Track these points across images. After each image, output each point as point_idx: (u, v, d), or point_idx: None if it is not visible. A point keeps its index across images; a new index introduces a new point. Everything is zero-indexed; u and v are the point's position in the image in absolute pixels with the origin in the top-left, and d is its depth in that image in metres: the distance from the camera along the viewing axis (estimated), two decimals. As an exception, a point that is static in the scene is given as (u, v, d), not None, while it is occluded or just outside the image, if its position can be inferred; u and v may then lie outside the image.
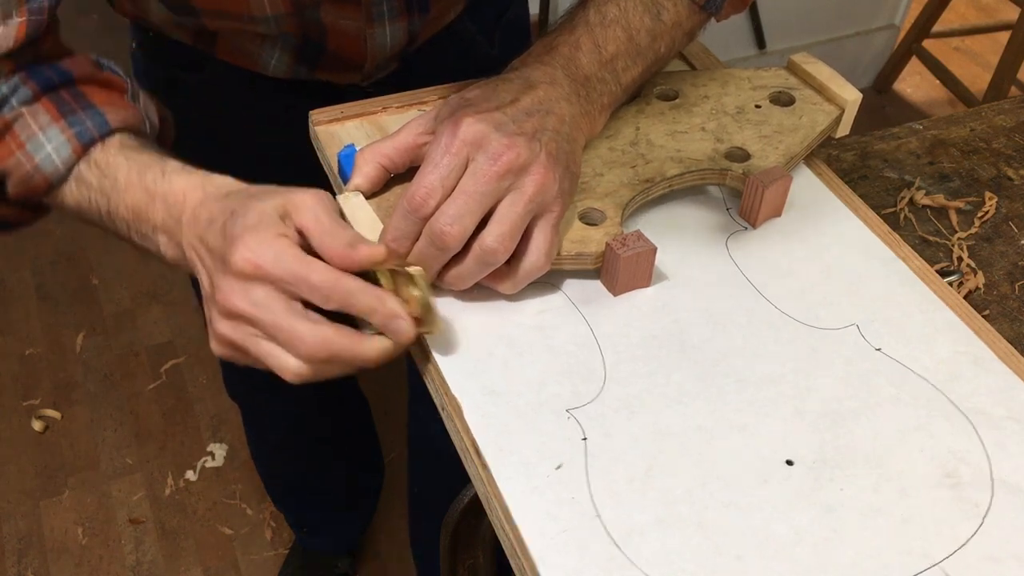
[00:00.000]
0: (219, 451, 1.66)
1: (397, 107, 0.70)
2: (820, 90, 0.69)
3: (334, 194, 0.65)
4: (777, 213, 0.65)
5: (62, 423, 1.69)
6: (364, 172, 0.59)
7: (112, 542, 1.54)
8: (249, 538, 1.55)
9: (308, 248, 0.52)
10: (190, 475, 1.63)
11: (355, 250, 0.51)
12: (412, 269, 0.53)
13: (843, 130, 0.70)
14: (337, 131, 0.68)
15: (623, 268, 0.58)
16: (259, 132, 0.83)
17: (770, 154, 0.65)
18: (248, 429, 1.33)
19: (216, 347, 0.53)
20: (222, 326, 0.52)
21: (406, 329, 0.51)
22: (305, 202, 0.52)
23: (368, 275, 0.53)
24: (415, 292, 0.52)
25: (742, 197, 0.64)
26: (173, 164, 0.57)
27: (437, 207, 0.54)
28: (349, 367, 0.52)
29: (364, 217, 0.58)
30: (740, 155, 0.65)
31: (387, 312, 0.51)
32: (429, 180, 0.54)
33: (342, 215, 0.59)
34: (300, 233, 0.52)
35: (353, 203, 0.59)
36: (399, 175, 0.61)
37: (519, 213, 0.54)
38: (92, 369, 1.78)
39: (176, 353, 1.81)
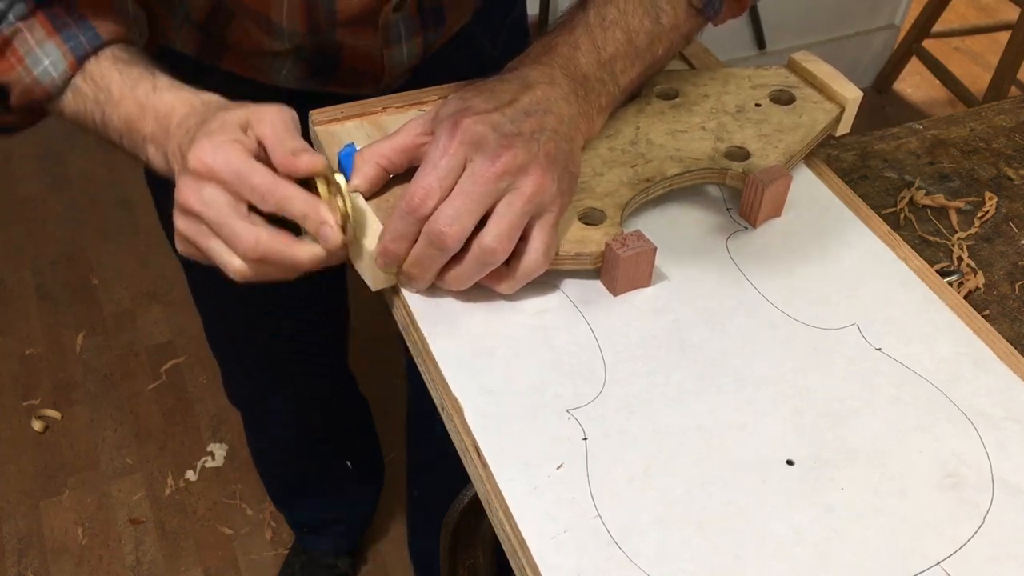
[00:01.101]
0: (219, 451, 1.66)
1: (397, 107, 0.70)
2: (821, 88, 0.69)
3: None
4: (777, 213, 0.65)
5: (62, 423, 1.69)
6: (363, 173, 0.60)
7: (112, 542, 1.53)
8: (249, 538, 1.55)
9: (268, 160, 0.55)
10: (190, 475, 1.63)
11: (297, 157, 0.54)
12: (338, 178, 0.55)
13: (844, 128, 0.70)
14: (337, 131, 0.68)
15: (623, 268, 0.58)
16: None
17: (770, 153, 0.65)
18: (249, 432, 1.33)
19: (177, 244, 0.57)
20: (179, 222, 0.55)
21: (332, 236, 0.54)
22: (266, 114, 0.55)
23: (310, 187, 0.55)
24: (339, 202, 0.55)
25: (742, 196, 0.64)
26: (163, 80, 0.60)
27: (435, 208, 0.54)
28: (286, 270, 0.55)
29: (363, 218, 0.58)
30: (740, 154, 0.65)
31: (317, 218, 0.54)
32: (427, 181, 0.54)
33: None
34: (261, 145, 0.55)
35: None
36: (398, 176, 0.61)
37: (517, 213, 0.54)
38: (92, 369, 1.78)
39: (176, 353, 1.81)
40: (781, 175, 0.63)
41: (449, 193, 0.54)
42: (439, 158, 0.54)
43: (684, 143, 0.65)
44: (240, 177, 0.53)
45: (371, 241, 0.56)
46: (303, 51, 0.74)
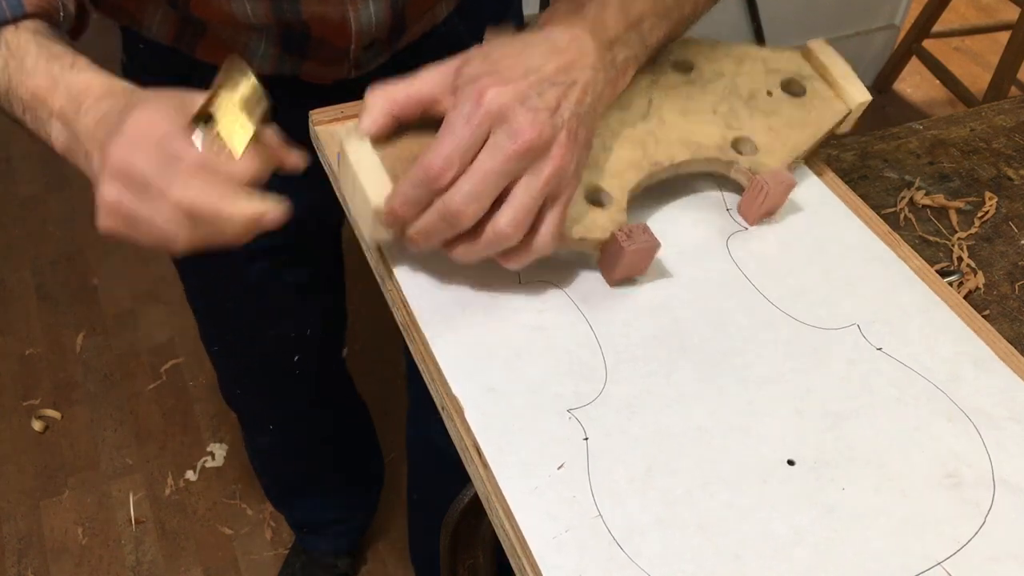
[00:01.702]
0: (219, 451, 1.66)
1: (397, 107, 0.70)
2: (832, 84, 0.69)
3: (335, 197, 0.65)
4: (772, 213, 0.65)
5: (62, 423, 1.69)
6: (374, 118, 0.57)
7: (112, 542, 1.53)
8: (249, 538, 1.55)
9: None
10: (190, 475, 1.62)
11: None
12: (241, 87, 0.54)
13: (846, 127, 0.70)
14: (337, 131, 0.68)
15: (626, 260, 0.58)
16: None
17: (776, 149, 0.65)
18: (246, 436, 1.33)
19: (103, 218, 0.53)
20: (109, 189, 0.52)
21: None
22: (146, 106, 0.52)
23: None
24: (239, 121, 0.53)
25: (744, 192, 0.64)
26: (84, 60, 0.57)
27: (453, 180, 0.52)
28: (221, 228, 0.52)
29: (370, 169, 0.56)
30: (747, 146, 0.64)
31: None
32: (447, 151, 0.52)
33: (344, 162, 0.57)
34: None
35: (360, 152, 0.56)
36: (409, 124, 0.59)
37: (534, 198, 0.53)
38: (92, 369, 1.78)
39: (176, 353, 1.81)
40: (786, 180, 0.63)
41: (468, 165, 0.52)
42: (461, 127, 0.52)
43: (695, 126, 0.65)
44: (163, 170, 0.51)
45: (376, 195, 0.55)
46: (271, 28, 0.73)
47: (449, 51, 0.84)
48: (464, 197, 0.52)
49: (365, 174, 0.55)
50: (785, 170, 0.64)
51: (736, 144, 0.65)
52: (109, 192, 0.52)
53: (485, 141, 0.53)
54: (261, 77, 0.69)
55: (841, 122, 0.68)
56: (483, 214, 0.53)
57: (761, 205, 0.63)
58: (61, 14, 0.62)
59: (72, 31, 0.65)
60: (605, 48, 0.59)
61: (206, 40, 0.77)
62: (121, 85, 0.56)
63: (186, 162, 0.51)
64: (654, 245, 0.58)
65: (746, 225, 0.65)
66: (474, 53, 0.56)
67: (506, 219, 0.53)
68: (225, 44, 0.76)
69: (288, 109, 0.70)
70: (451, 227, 0.53)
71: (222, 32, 0.76)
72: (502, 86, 0.53)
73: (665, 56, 0.68)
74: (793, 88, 0.69)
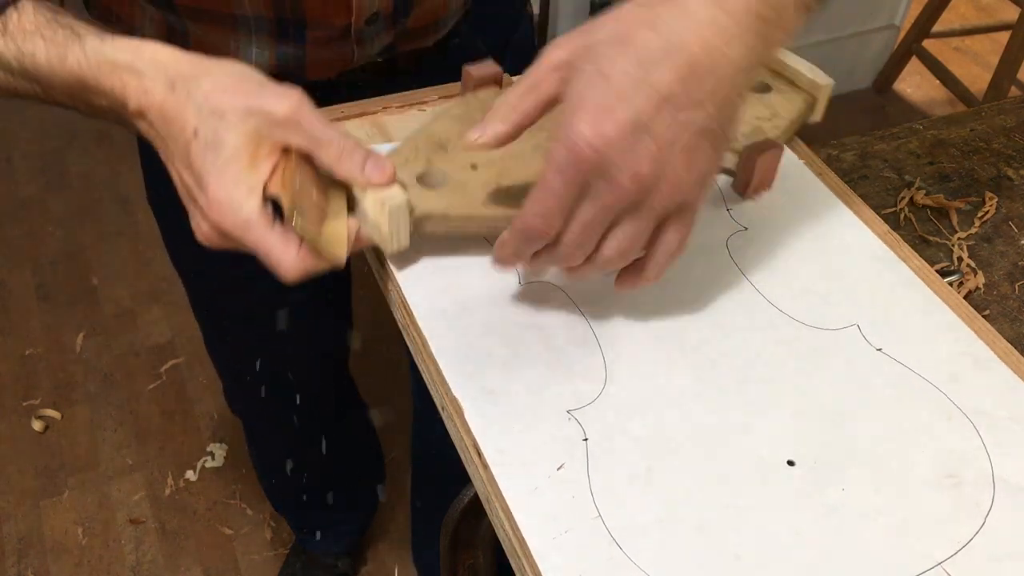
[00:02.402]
0: (219, 451, 1.66)
1: (397, 107, 0.70)
2: (793, 79, 0.70)
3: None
4: (767, 185, 0.65)
5: (62, 423, 1.69)
6: (497, 131, 0.51)
7: (112, 542, 1.53)
8: (249, 538, 1.55)
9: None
10: (190, 475, 1.63)
11: (381, 171, 0.53)
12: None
13: (816, 116, 0.70)
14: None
15: None
16: None
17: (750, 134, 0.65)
18: (250, 441, 1.33)
19: (204, 240, 0.55)
20: (208, 237, 0.54)
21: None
22: (288, 118, 0.52)
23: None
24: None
25: (736, 168, 0.65)
26: (91, 40, 0.54)
27: (557, 229, 0.50)
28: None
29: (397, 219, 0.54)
30: None
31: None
32: (545, 209, 0.49)
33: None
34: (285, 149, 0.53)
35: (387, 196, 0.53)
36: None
37: (642, 230, 0.50)
38: (92, 369, 1.78)
39: (176, 353, 1.81)
40: (773, 145, 0.63)
41: (569, 214, 0.49)
42: (557, 181, 0.47)
43: None
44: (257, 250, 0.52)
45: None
46: (262, 19, 0.71)
47: (462, 60, 0.84)
48: (569, 249, 0.50)
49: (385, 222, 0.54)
50: (769, 139, 0.64)
51: None
52: (210, 238, 0.54)
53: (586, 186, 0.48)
54: None
55: (810, 110, 0.69)
56: (591, 250, 0.51)
57: (753, 175, 0.64)
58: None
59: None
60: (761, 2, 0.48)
61: (192, 47, 0.76)
62: (154, 78, 0.53)
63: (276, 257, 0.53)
64: None
65: (746, 225, 0.65)
66: (584, 63, 0.48)
67: (611, 248, 0.50)
68: (215, 48, 0.76)
69: None
70: (562, 264, 0.52)
71: (209, 36, 0.75)
72: (599, 128, 0.46)
73: None
74: (757, 86, 0.69)
